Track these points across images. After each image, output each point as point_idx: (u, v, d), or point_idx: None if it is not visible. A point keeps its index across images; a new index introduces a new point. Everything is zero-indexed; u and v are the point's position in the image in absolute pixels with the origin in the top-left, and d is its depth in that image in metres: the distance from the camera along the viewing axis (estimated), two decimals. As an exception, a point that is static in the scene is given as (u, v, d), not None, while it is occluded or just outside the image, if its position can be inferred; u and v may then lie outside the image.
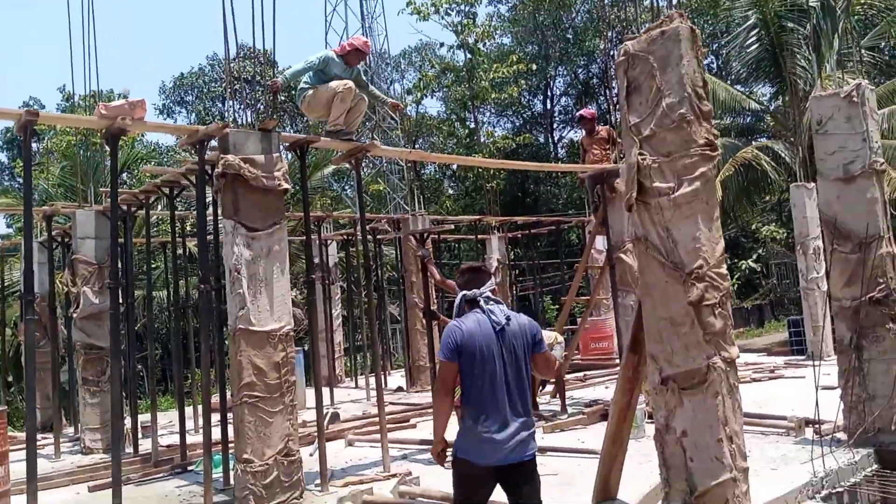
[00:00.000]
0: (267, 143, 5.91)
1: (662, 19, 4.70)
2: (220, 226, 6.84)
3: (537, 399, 8.83)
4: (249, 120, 7.53)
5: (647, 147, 4.63)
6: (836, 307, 6.23)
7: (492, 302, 3.55)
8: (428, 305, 8.51)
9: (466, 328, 3.46)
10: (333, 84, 6.64)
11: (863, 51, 13.81)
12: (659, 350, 4.54)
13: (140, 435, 8.35)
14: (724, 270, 4.46)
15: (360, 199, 7.22)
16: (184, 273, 9.04)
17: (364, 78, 7.18)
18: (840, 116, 6.32)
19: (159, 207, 10.08)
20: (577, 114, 10.84)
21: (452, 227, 11.29)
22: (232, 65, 33.72)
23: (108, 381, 8.49)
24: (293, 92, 6.74)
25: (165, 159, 26.67)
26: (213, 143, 6.09)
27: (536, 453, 3.53)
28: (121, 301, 6.74)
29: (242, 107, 17.00)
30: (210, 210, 6.95)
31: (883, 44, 20.66)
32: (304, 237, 6.62)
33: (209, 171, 6.21)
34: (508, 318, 3.50)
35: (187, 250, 12.50)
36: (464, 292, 3.64)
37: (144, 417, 9.32)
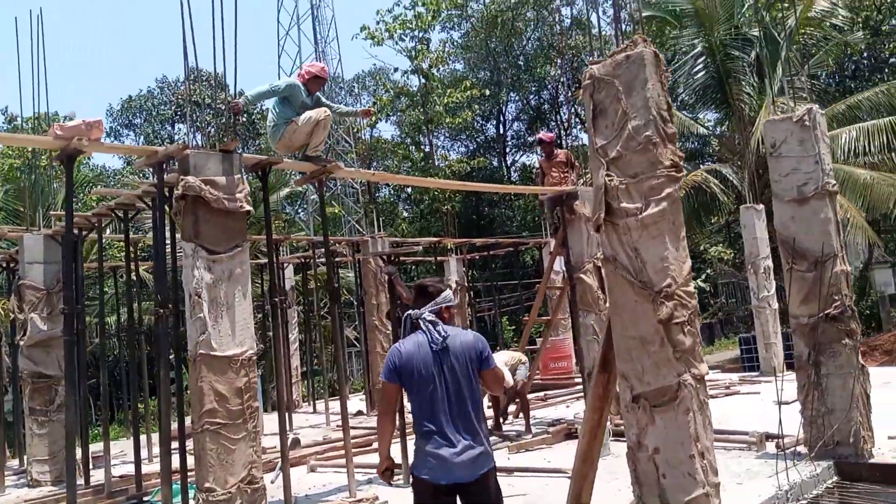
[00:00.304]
0: (228, 164, 5.79)
1: (627, 44, 4.80)
2: (177, 250, 6.67)
3: (500, 420, 8.80)
4: (200, 143, 7.39)
5: (613, 168, 4.69)
6: (794, 324, 6.38)
7: (429, 323, 3.56)
8: (393, 312, 8.13)
9: (405, 350, 3.53)
10: (312, 114, 6.65)
11: (804, 78, 14.34)
12: (629, 368, 4.57)
13: (91, 465, 8.04)
14: (691, 289, 4.53)
15: (323, 220, 7.14)
16: (137, 298, 8.75)
17: (325, 100, 7.16)
18: (793, 140, 6.53)
19: (108, 231, 9.80)
20: (537, 137, 10.98)
21: (414, 248, 11.21)
22: (183, 88, 33.30)
23: (56, 410, 8.18)
24: (252, 114, 6.67)
25: (112, 182, 26.03)
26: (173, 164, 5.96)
27: (491, 470, 3.49)
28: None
29: (193, 130, 16.59)
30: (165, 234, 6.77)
31: (820, 72, 21.60)
32: (260, 261, 6.50)
33: (167, 194, 6.06)
34: (446, 338, 3.49)
35: (140, 275, 12.15)
36: (408, 312, 3.67)
37: (95, 448, 8.97)
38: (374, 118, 9.98)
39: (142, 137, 32.77)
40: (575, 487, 5.03)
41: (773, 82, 16.36)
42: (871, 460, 5.93)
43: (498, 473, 3.62)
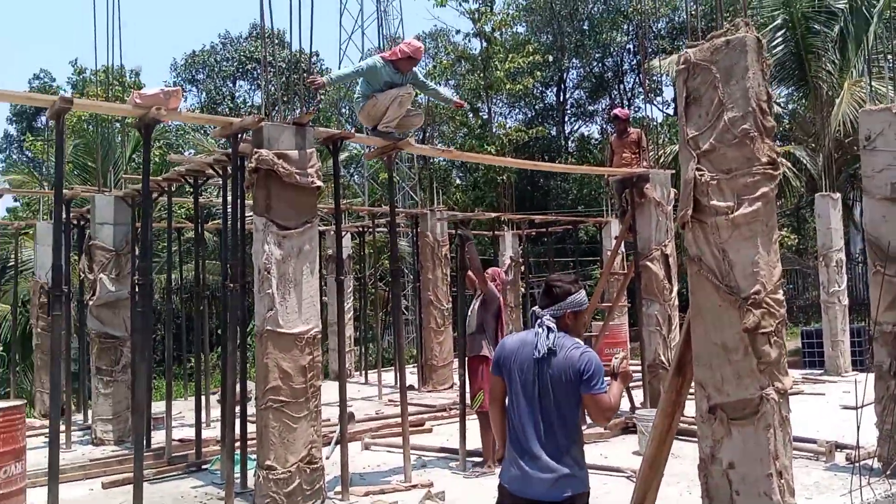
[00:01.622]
0: (301, 138, 5.73)
1: (727, 27, 4.49)
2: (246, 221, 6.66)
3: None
4: (260, 102, 7.40)
5: (705, 162, 4.43)
6: (878, 331, 6.06)
7: (545, 328, 3.29)
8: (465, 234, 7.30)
9: (509, 344, 3.37)
10: (393, 91, 6.54)
11: (893, 56, 13.52)
12: (708, 376, 4.37)
13: (152, 427, 8.22)
14: (780, 296, 4.28)
15: (391, 197, 7.07)
16: (203, 260, 8.86)
17: (422, 79, 7.02)
18: (890, 132, 6.12)
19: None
20: (612, 113, 10.59)
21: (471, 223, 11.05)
22: (244, 44, 33.44)
23: (121, 370, 8.36)
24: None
25: (175, 138, 26.44)
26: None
27: (580, 496, 3.22)
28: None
29: (254, 88, 16.57)
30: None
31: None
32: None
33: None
34: (552, 350, 3.23)
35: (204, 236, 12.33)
36: (534, 309, 3.46)
37: (155, 408, 9.18)
38: (463, 108, 9.86)
39: (204, 94, 33.11)
40: (639, 492, 4.88)
41: (857, 60, 15.53)
42: (953, 481, 5.63)
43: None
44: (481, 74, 24.60)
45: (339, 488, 5.99)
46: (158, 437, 7.93)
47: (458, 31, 27.62)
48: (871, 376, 6.17)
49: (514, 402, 3.31)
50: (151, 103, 5.28)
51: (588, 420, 4.42)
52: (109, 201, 8.46)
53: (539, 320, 3.36)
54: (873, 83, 12.61)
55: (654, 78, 22.66)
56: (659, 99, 29.03)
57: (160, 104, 5.29)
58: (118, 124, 15.53)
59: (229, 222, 6.36)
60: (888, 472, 5.74)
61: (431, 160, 29.24)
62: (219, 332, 9.70)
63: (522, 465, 3.20)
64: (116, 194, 8.56)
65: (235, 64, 33.10)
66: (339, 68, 29.28)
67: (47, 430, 5.28)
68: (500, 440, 3.52)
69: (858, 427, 5.69)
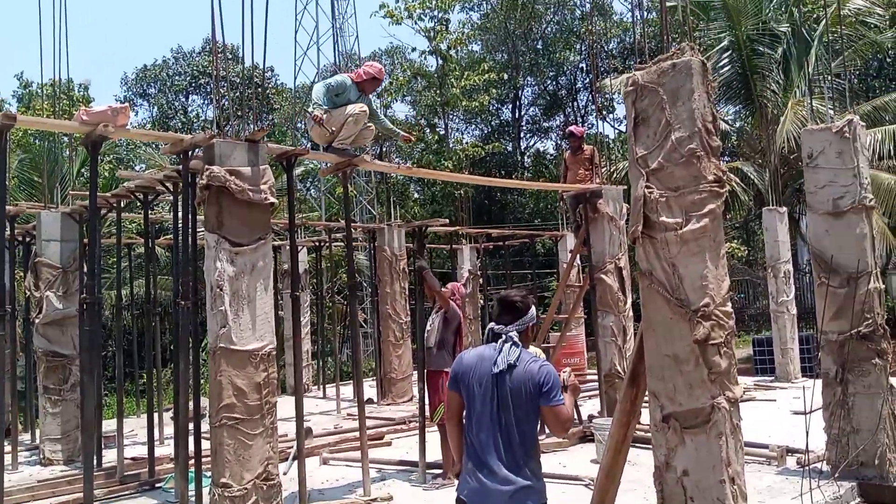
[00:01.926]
0: (254, 154, 5.67)
1: (674, 51, 4.63)
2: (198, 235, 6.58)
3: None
4: (213, 117, 7.36)
5: (653, 180, 4.55)
6: (824, 340, 6.26)
7: (510, 343, 3.35)
8: (420, 306, 7.64)
9: (467, 360, 3.39)
10: (349, 108, 6.57)
11: (831, 77, 14.06)
12: (661, 387, 4.47)
13: (103, 446, 8.02)
14: (729, 308, 4.40)
15: (347, 213, 7.04)
16: (154, 276, 8.70)
17: (375, 108, 7.06)
18: (831, 151, 6.36)
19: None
20: (567, 130, 10.78)
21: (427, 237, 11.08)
22: (197, 59, 33.05)
23: (70, 389, 8.15)
24: (267, 88, 6.55)
25: (126, 153, 25.93)
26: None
27: None
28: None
29: (207, 102, 16.40)
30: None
31: (845, 73, 21.19)
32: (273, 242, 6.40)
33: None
34: (513, 365, 3.28)
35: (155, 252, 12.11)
36: (491, 325, 3.49)
37: (106, 426, 8.96)
38: (412, 142, 9.79)
39: (156, 108, 32.60)
40: (597, 501, 4.95)
41: (800, 81, 16.10)
42: (896, 483, 5.84)
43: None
44: (438, 91, 24.79)
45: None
46: (110, 456, 7.75)
47: (413, 49, 27.70)
48: (819, 382, 6.38)
49: (472, 417, 3.33)
50: (99, 120, 5.18)
51: (546, 431, 4.46)
52: (56, 218, 8.26)
53: (502, 336, 3.39)
54: (814, 103, 13.11)
55: (607, 96, 23.11)
56: (611, 116, 29.59)
57: (108, 121, 5.20)
58: (66, 139, 15.18)
59: (181, 239, 6.27)
60: (836, 475, 5.91)
61: (389, 175, 29.27)
62: (171, 347, 9.53)
63: (481, 477, 3.23)
64: (64, 211, 8.36)
65: (188, 78, 32.70)
66: (295, 84, 29.16)
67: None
68: (456, 455, 3.52)
69: (807, 432, 5.86)
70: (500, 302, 3.53)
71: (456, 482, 3.54)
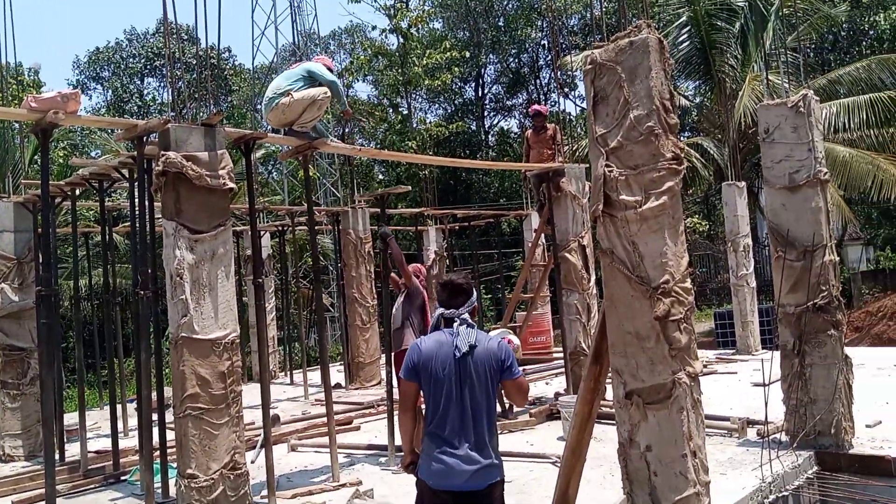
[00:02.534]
0: (211, 139, 5.56)
1: (631, 28, 4.63)
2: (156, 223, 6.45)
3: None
4: (170, 99, 7.23)
5: (613, 159, 4.57)
6: (781, 313, 6.39)
7: (465, 325, 3.48)
8: (384, 274, 7.47)
9: (425, 347, 3.44)
10: (312, 91, 6.48)
11: (787, 52, 14.25)
12: (623, 364, 4.52)
13: (65, 439, 7.88)
14: (688, 285, 4.46)
15: (308, 197, 6.95)
16: (111, 265, 8.53)
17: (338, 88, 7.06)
18: (787, 126, 6.45)
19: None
20: (532, 108, 10.76)
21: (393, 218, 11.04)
22: (151, 40, 32.25)
23: (29, 383, 7.98)
24: (224, 70, 6.43)
25: (80, 139, 25.30)
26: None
27: (498, 483, 3.43)
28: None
29: (163, 85, 16.08)
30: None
31: (800, 46, 21.52)
32: (235, 228, 6.32)
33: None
34: (473, 346, 3.41)
35: (112, 240, 11.87)
36: (441, 310, 3.54)
37: (68, 419, 8.78)
38: (350, 118, 9.59)
39: (110, 92, 31.81)
40: (563, 480, 5.01)
41: (757, 55, 16.29)
42: (851, 451, 6.01)
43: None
44: (399, 70, 24.53)
45: (265, 492, 5.89)
46: (74, 450, 7.61)
47: (374, 27, 27.30)
48: (778, 354, 6.52)
49: (438, 402, 3.38)
50: (48, 107, 5.02)
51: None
52: (8, 207, 8.03)
53: (455, 321, 3.47)
54: (771, 77, 13.30)
55: (569, 73, 23.14)
56: (574, 93, 29.69)
57: (58, 108, 5.04)
58: (17, 126, 14.73)
59: (138, 227, 6.14)
60: (795, 445, 6.07)
61: (353, 157, 29.00)
62: (133, 338, 9.38)
63: (445, 458, 3.30)
64: (16, 200, 8.13)
65: (143, 61, 31.96)
66: (253, 65, 28.64)
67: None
68: (407, 446, 3.56)
69: (766, 403, 6.03)
70: (446, 287, 3.61)
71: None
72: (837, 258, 6.43)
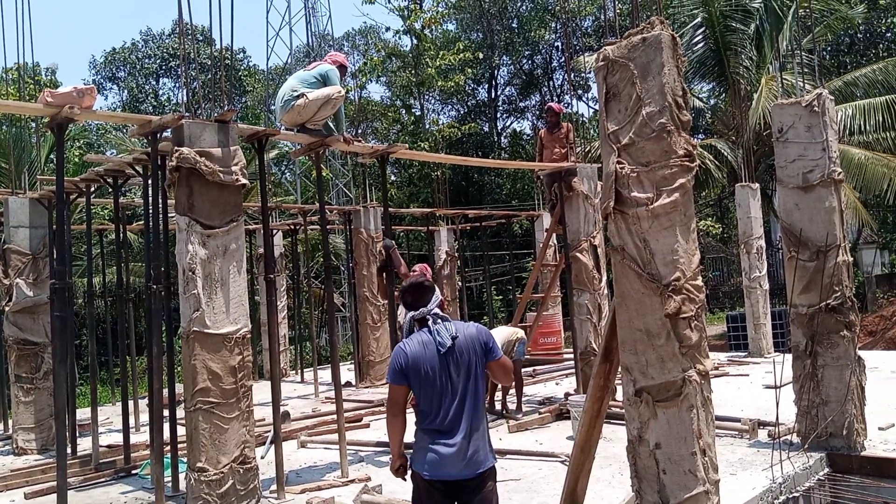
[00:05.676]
0: (224, 135, 5.60)
1: (644, 25, 4.62)
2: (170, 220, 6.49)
3: (494, 399, 8.72)
4: (185, 99, 7.26)
5: (625, 155, 4.55)
6: (793, 313, 6.34)
7: (440, 320, 3.54)
8: (384, 262, 7.48)
9: (411, 350, 3.48)
10: (326, 90, 6.47)
11: (803, 53, 14.14)
12: (633, 361, 4.50)
13: (77, 434, 7.94)
14: (699, 282, 4.44)
15: (320, 196, 6.97)
16: (125, 262, 8.59)
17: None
18: (801, 125, 6.41)
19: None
20: (547, 105, 10.74)
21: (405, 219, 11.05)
22: (167, 41, 32.48)
23: (42, 378, 8.05)
24: (239, 70, 6.47)
25: (96, 138, 25.52)
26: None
27: (490, 470, 3.50)
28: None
29: (178, 85, 16.16)
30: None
31: (816, 47, 21.37)
32: (248, 226, 6.35)
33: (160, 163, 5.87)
34: (455, 337, 3.47)
35: (126, 237, 11.95)
36: (411, 313, 3.62)
37: (81, 414, 8.86)
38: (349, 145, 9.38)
39: (126, 92, 32.07)
40: (572, 477, 5.00)
41: (772, 57, 16.19)
42: (863, 453, 5.95)
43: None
44: (413, 71, 24.57)
45: (274, 487, 5.92)
46: (85, 444, 7.68)
47: (387, 29, 27.38)
48: (790, 356, 6.48)
49: (426, 398, 3.45)
50: (64, 102, 5.07)
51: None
52: (24, 203, 8.12)
53: (429, 319, 3.54)
54: (787, 78, 13.20)
55: (582, 74, 23.10)
56: (587, 95, 29.62)
57: (73, 103, 5.09)
58: (33, 124, 14.90)
59: (152, 222, 6.19)
60: (806, 447, 6.02)
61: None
62: (146, 335, 9.44)
63: (438, 449, 3.38)
64: (32, 196, 8.22)
65: (158, 61, 32.19)
66: (267, 65, 28.79)
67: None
68: (396, 450, 3.60)
69: (778, 405, 5.98)
70: (410, 290, 3.67)
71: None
72: (851, 259, 6.37)
